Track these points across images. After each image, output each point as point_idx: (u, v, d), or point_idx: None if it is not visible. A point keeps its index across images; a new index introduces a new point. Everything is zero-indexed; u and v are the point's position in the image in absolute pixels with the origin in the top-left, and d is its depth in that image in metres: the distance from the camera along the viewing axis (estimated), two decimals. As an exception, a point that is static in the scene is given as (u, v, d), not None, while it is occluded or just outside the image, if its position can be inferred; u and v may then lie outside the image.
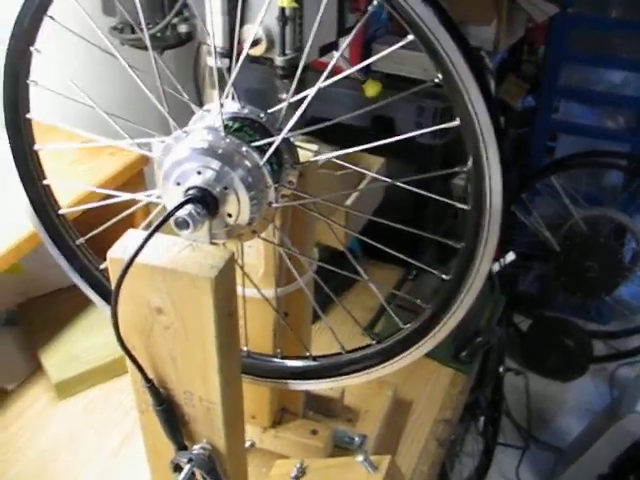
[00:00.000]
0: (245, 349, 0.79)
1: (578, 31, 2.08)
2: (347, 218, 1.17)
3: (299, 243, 0.78)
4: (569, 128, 2.31)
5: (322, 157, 0.68)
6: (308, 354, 0.76)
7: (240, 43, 0.97)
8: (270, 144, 0.62)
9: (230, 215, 0.61)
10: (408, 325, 0.68)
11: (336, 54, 1.16)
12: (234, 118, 0.64)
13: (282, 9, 0.85)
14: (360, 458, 0.82)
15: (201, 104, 0.71)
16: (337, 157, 0.78)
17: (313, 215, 0.73)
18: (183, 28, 1.13)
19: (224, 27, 0.98)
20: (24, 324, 1.20)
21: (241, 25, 0.95)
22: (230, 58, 1.07)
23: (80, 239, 0.77)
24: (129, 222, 0.71)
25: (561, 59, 2.12)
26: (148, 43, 0.64)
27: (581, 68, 2.19)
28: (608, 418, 1.82)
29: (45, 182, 0.75)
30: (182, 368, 0.66)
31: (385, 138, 0.65)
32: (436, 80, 0.54)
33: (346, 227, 1.18)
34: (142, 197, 0.67)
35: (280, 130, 0.63)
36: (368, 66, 1.43)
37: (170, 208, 0.58)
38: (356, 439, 0.98)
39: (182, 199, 0.58)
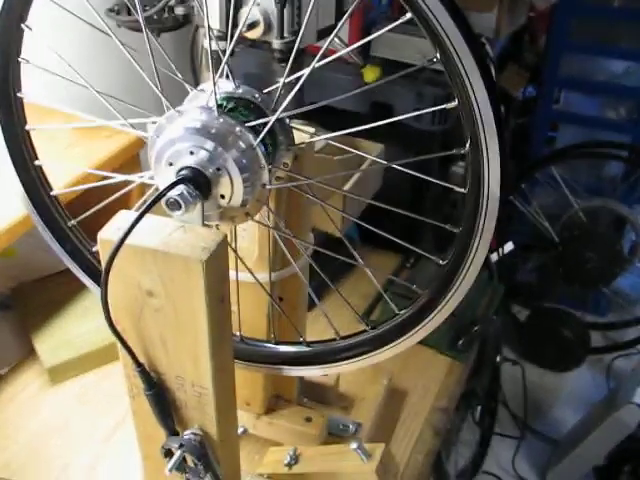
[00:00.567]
0: (238, 334, 0.78)
1: (580, 20, 2.06)
2: (344, 203, 1.16)
3: (294, 227, 0.77)
4: (570, 118, 2.29)
5: (317, 139, 0.66)
6: (302, 340, 0.75)
7: (237, 26, 0.96)
8: (264, 125, 0.60)
9: (223, 196, 0.60)
10: (403, 311, 0.67)
11: (332, 35, 1.15)
12: (228, 98, 0.63)
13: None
14: (354, 446, 0.81)
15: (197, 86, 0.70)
16: (333, 140, 0.77)
17: (308, 198, 0.72)
18: (180, 10, 1.12)
19: (221, 9, 0.96)
20: (17, 308, 1.19)
21: (239, 7, 0.94)
22: (227, 41, 1.06)
23: (72, 221, 0.76)
24: (125, 204, 0.70)
25: (562, 48, 2.11)
26: (142, 22, 0.63)
27: (582, 58, 2.17)
28: (604, 409, 1.82)
29: (37, 163, 0.74)
30: (173, 352, 0.65)
31: (383, 124, 0.64)
32: (434, 60, 0.53)
33: (343, 212, 1.17)
34: (135, 178, 0.66)
35: (275, 111, 0.61)
36: (367, 52, 1.42)
37: (162, 189, 0.57)
38: (350, 427, 0.98)
39: (174, 179, 0.57)
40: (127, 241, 0.57)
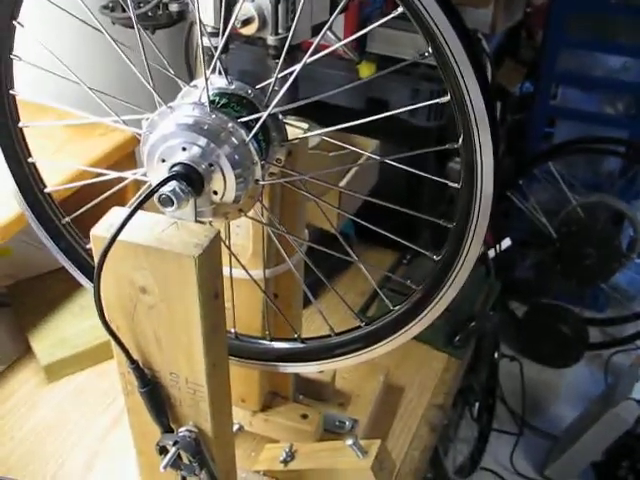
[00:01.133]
0: (233, 331, 0.78)
1: (577, 16, 2.05)
2: (340, 200, 1.16)
3: (289, 223, 0.77)
4: (567, 114, 2.29)
5: (311, 134, 0.66)
6: (296, 336, 0.74)
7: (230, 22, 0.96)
8: (257, 120, 0.60)
9: (216, 192, 0.60)
10: (398, 307, 0.67)
11: (324, 30, 1.15)
12: (221, 94, 0.63)
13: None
14: (350, 442, 0.81)
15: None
16: (328, 136, 0.77)
17: (302, 194, 0.72)
18: (174, 7, 1.12)
19: (215, 5, 0.96)
20: (14, 306, 1.18)
21: (233, 4, 0.94)
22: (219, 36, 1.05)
23: (66, 218, 0.76)
24: (120, 202, 0.70)
25: (560, 44, 2.10)
26: (134, 18, 0.62)
27: (580, 53, 2.16)
28: (602, 405, 1.82)
29: (30, 160, 0.74)
30: (167, 349, 0.65)
31: (378, 120, 0.64)
32: (426, 54, 0.53)
33: (338, 209, 1.17)
34: (128, 175, 0.66)
35: (268, 106, 0.61)
36: (363, 48, 1.42)
37: (154, 185, 0.57)
38: (347, 423, 0.98)
39: (167, 176, 0.57)
40: (119, 237, 0.57)
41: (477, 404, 1.81)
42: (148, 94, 0.64)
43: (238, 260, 0.71)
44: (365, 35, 1.39)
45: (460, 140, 0.55)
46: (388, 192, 1.11)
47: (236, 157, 0.58)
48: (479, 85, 0.51)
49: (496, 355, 1.81)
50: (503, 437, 2.02)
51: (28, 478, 0.93)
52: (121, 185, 0.69)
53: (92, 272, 0.78)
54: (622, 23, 2.09)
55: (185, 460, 0.69)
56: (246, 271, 0.71)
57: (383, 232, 0.67)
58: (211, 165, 0.58)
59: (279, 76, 0.61)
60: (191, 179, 0.58)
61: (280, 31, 1.01)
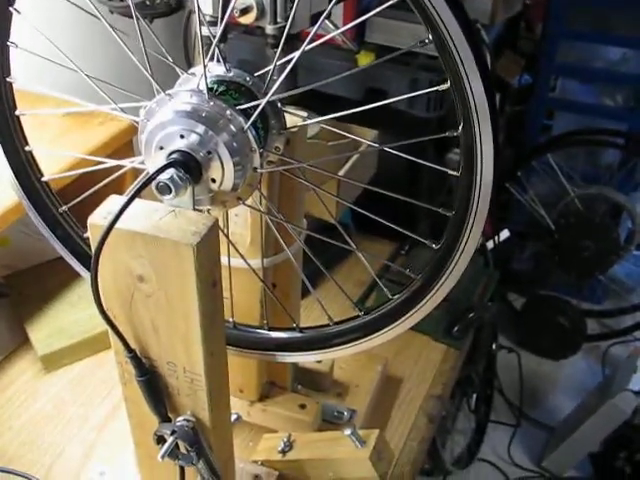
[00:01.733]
0: (231, 320, 0.78)
1: (577, 7, 2.05)
2: (338, 189, 1.16)
3: (287, 212, 0.76)
4: (566, 105, 2.28)
5: (310, 122, 0.66)
6: (295, 325, 0.74)
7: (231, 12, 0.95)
8: (256, 108, 0.60)
9: (214, 180, 0.59)
10: (397, 296, 0.67)
11: (325, 20, 1.14)
12: (219, 81, 0.62)
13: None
14: (348, 432, 0.81)
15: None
16: (327, 125, 0.76)
17: (301, 183, 0.71)
18: (173, -5, 1.11)
19: (214, -7, 0.96)
20: (12, 296, 1.18)
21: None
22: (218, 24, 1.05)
23: (64, 207, 0.76)
24: (119, 190, 0.69)
25: (559, 35, 2.09)
26: (132, 6, 0.62)
27: (579, 45, 2.16)
28: (600, 396, 1.83)
29: (27, 149, 0.73)
30: (165, 338, 0.64)
31: (378, 110, 0.64)
32: (426, 41, 0.52)
33: (337, 197, 1.17)
34: (126, 163, 0.65)
35: (266, 94, 0.61)
36: (362, 37, 1.41)
37: (152, 172, 0.56)
38: (345, 414, 0.97)
39: (165, 163, 0.57)
40: (117, 226, 0.57)
41: (475, 395, 1.81)
42: (146, 82, 0.64)
43: (236, 249, 0.71)
44: (364, 25, 1.39)
45: (460, 128, 0.55)
46: (387, 182, 1.11)
47: (234, 145, 0.58)
48: (479, 72, 0.51)
49: (494, 346, 1.81)
50: (500, 428, 2.02)
51: (26, 468, 0.93)
52: (119, 173, 0.69)
53: (89, 261, 0.78)
54: (621, 15, 2.08)
55: (183, 450, 0.69)
56: (244, 260, 0.71)
57: (382, 221, 0.66)
58: (209, 153, 0.58)
59: (278, 64, 0.61)
60: (189, 167, 0.57)
61: (279, 20, 1.00)
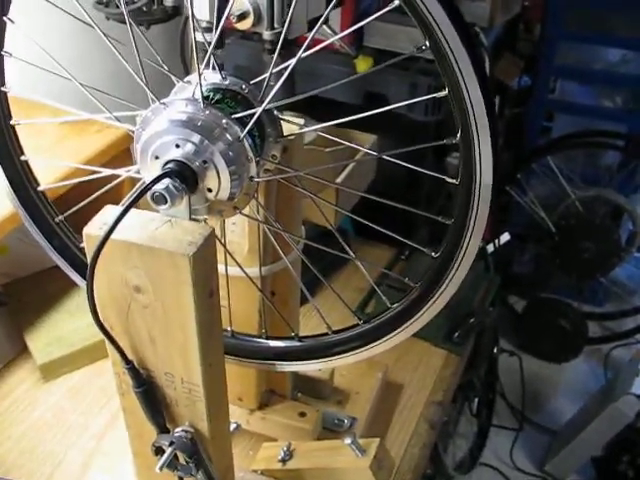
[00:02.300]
0: (229, 329, 0.77)
1: (575, 9, 2.04)
2: (337, 196, 1.15)
3: (285, 220, 0.76)
4: (566, 107, 2.28)
5: (306, 130, 0.65)
6: (293, 334, 0.74)
7: (228, 17, 0.95)
8: (251, 116, 0.59)
9: (210, 190, 0.59)
10: (396, 304, 0.66)
11: (323, 25, 1.13)
12: (215, 90, 0.62)
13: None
14: (348, 441, 0.80)
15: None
16: (324, 131, 0.76)
17: (299, 191, 0.71)
18: (169, 2, 1.10)
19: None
20: (10, 305, 1.17)
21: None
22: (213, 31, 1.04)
23: (60, 216, 0.75)
24: (116, 199, 0.68)
25: (557, 37, 2.09)
26: (125, 13, 0.61)
27: (578, 46, 2.15)
28: (602, 400, 1.82)
29: (23, 158, 0.73)
30: (162, 349, 0.64)
31: (377, 115, 0.63)
32: (423, 47, 0.52)
33: (336, 206, 1.16)
34: (122, 172, 0.65)
35: (262, 102, 0.60)
36: (360, 42, 1.41)
37: (147, 182, 0.56)
38: (345, 421, 0.97)
39: (160, 173, 0.56)
40: (113, 236, 0.56)
41: (476, 400, 1.80)
42: (142, 90, 0.63)
43: (233, 258, 0.70)
44: (362, 29, 1.38)
45: (458, 135, 0.54)
46: (386, 188, 1.10)
47: (230, 154, 0.57)
48: (477, 78, 0.50)
49: (495, 350, 1.80)
50: (503, 432, 2.01)
51: (25, 478, 0.93)
52: (114, 183, 0.68)
53: (86, 271, 0.77)
54: (621, 16, 2.08)
55: (182, 460, 0.69)
56: (242, 269, 0.70)
57: (381, 229, 0.66)
58: (205, 162, 0.57)
59: (274, 71, 0.60)
60: (185, 176, 0.57)
61: (276, 26, 0.99)
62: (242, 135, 0.57)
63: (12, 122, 0.71)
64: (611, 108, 2.22)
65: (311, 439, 0.92)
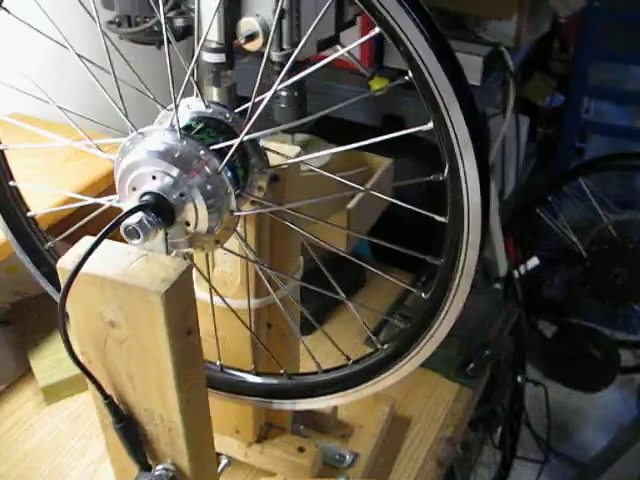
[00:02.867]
0: (218, 363, 0.74)
1: (610, 27, 1.98)
2: (349, 220, 1.12)
3: (278, 253, 0.73)
4: (599, 128, 2.22)
5: (293, 160, 0.62)
6: (282, 371, 0.70)
7: (236, 37, 0.93)
8: (237, 147, 0.56)
9: (188, 223, 0.56)
10: (386, 346, 0.63)
11: (340, 49, 1.10)
12: (198, 119, 0.59)
13: (278, 1, 0.80)
14: (342, 482, 0.76)
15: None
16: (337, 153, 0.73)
17: (294, 222, 0.68)
18: (179, 22, 1.09)
19: (219, 20, 0.94)
20: (17, 324, 1.17)
21: (237, 19, 0.91)
22: (226, 53, 1.02)
23: (49, 243, 0.74)
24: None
25: (592, 56, 2.03)
26: (100, 29, 0.59)
27: (613, 66, 2.09)
28: (634, 432, 1.74)
29: (12, 184, 0.71)
30: (140, 385, 0.61)
31: (395, 138, 0.60)
32: (406, 78, 0.49)
33: (348, 229, 1.13)
34: (104, 201, 0.63)
35: (249, 132, 0.57)
36: (380, 62, 1.38)
37: (119, 216, 0.53)
38: (347, 457, 0.93)
39: (132, 206, 0.54)
40: (85, 270, 0.54)
41: (499, 429, 1.75)
42: (136, 114, 0.61)
43: (217, 292, 0.67)
44: (382, 49, 1.35)
45: (446, 172, 0.51)
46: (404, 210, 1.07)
47: (208, 187, 0.55)
48: (462, 111, 0.47)
49: (520, 379, 1.74)
50: (528, 464, 1.94)
51: (23, 502, 0.91)
52: (97, 212, 0.66)
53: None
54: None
55: (163, 499, 0.66)
56: (224, 301, 0.68)
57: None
58: (182, 195, 0.55)
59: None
60: (160, 210, 0.54)
61: (285, 47, 0.97)
62: (220, 168, 0.55)
63: (0, 147, 0.70)
64: (647, 130, 2.15)
65: (310, 475, 0.89)
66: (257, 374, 0.73)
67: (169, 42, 0.57)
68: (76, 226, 0.67)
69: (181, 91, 0.55)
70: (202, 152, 0.55)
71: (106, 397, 0.63)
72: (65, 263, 0.56)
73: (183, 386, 0.60)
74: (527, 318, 1.98)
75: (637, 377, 2.20)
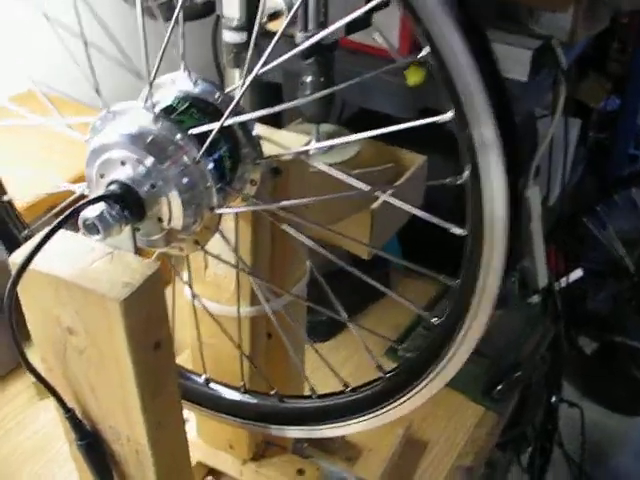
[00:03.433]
0: (203, 377, 0.66)
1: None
2: (373, 220, 1.03)
3: (280, 257, 0.65)
4: (657, 135, 2.08)
5: (291, 152, 0.53)
6: (273, 392, 0.62)
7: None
8: (224, 133, 0.48)
9: (161, 220, 0.48)
10: (390, 374, 0.54)
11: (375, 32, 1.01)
12: (184, 97, 0.51)
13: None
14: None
15: (222, 84, 0.58)
16: (366, 147, 0.64)
17: (298, 223, 0.59)
18: (199, -3, 1.02)
19: (240, -4, 0.86)
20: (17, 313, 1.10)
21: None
22: (248, 31, 0.94)
23: (25, 231, 0.66)
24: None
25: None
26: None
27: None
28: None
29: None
30: (103, 400, 0.54)
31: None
32: (419, 56, 0.40)
33: (371, 230, 1.04)
34: (75, 188, 0.55)
35: (238, 114, 0.49)
36: (419, 51, 1.28)
37: (76, 205, 0.45)
38: (351, 483, 0.84)
39: (94, 196, 0.46)
40: (39, 267, 0.47)
41: (529, 451, 1.64)
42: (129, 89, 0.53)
43: (194, 293, 0.59)
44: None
45: (466, 174, 0.41)
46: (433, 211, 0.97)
47: (184, 179, 0.46)
48: (489, 104, 0.37)
49: (554, 399, 1.63)
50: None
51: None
52: (71, 199, 0.58)
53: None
54: None
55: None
56: (203, 306, 0.59)
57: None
58: (154, 186, 0.46)
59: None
60: (127, 202, 0.46)
61: (310, 28, 0.89)
62: (198, 156, 0.46)
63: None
64: None
65: (308, 501, 0.80)
66: (246, 392, 0.64)
67: None
68: (50, 214, 0.59)
69: (158, 60, 0.47)
70: (179, 137, 0.46)
71: (67, 410, 0.55)
72: (16, 257, 0.48)
73: (150, 407, 0.52)
74: (566, 333, 1.86)
75: (682, 403, 2.06)
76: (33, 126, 0.55)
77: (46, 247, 0.44)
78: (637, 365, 2.01)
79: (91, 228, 0.45)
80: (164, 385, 0.53)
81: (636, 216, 1.98)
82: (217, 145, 0.48)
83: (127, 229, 0.47)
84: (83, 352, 0.51)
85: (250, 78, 0.44)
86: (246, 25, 0.91)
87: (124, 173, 0.47)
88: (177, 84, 0.51)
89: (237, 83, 0.50)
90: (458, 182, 0.41)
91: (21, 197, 0.70)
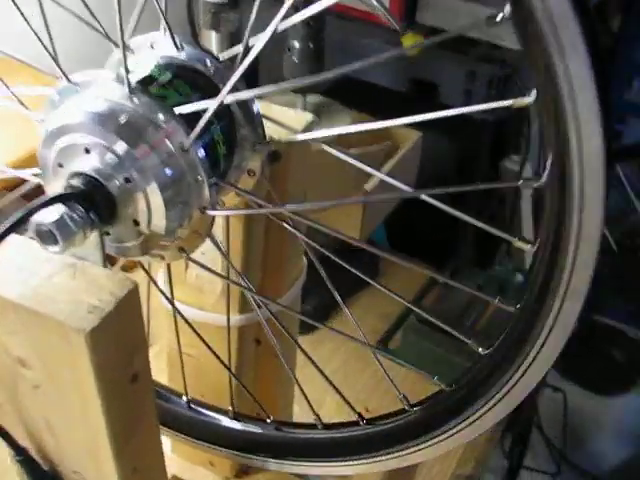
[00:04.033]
0: (185, 399, 0.56)
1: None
2: (364, 206, 0.93)
3: (275, 254, 0.55)
4: (641, 110, 2.02)
5: (304, 137, 0.43)
6: (268, 419, 0.52)
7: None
8: (217, 114, 0.37)
9: (137, 223, 0.37)
10: (417, 408, 0.44)
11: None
12: (166, 65, 0.40)
13: None
14: None
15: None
16: (356, 122, 0.54)
17: (297, 220, 0.49)
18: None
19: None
20: None
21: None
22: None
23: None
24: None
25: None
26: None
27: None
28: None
29: None
30: (65, 442, 0.43)
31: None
32: (497, 20, 0.29)
33: (363, 215, 0.95)
34: (27, 175, 0.44)
35: (235, 89, 0.38)
36: (411, 17, 1.17)
37: (28, 207, 0.35)
38: (342, 501, 0.76)
39: (51, 196, 0.35)
40: (-21, 285, 0.36)
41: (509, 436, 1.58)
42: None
43: (170, 301, 0.49)
44: (415, 2, 1.15)
45: (545, 175, 0.31)
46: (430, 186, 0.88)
47: (167, 171, 0.36)
48: (594, 85, 0.27)
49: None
50: (538, 475, 1.78)
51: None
52: (29, 187, 0.47)
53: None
54: None
55: None
56: (179, 312, 0.49)
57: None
58: (128, 180, 0.36)
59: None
60: (93, 201, 0.35)
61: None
62: (188, 143, 0.35)
63: None
64: (695, 114, 1.95)
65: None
66: (236, 417, 0.54)
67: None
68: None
69: (133, 20, 0.36)
70: (161, 117, 0.36)
71: (19, 452, 0.45)
72: (-50, 270, 0.37)
73: (125, 451, 0.42)
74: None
75: (661, 384, 2.04)
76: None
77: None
78: (616, 345, 1.98)
79: (47, 237, 0.34)
80: (140, 422, 0.43)
81: (619, 192, 1.92)
82: (209, 127, 0.38)
83: (94, 235, 0.36)
84: (38, 387, 0.40)
85: (266, 38, 0.33)
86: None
87: (89, 164, 0.36)
88: (157, 48, 0.40)
89: (235, 49, 0.39)
90: (535, 185, 0.31)
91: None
